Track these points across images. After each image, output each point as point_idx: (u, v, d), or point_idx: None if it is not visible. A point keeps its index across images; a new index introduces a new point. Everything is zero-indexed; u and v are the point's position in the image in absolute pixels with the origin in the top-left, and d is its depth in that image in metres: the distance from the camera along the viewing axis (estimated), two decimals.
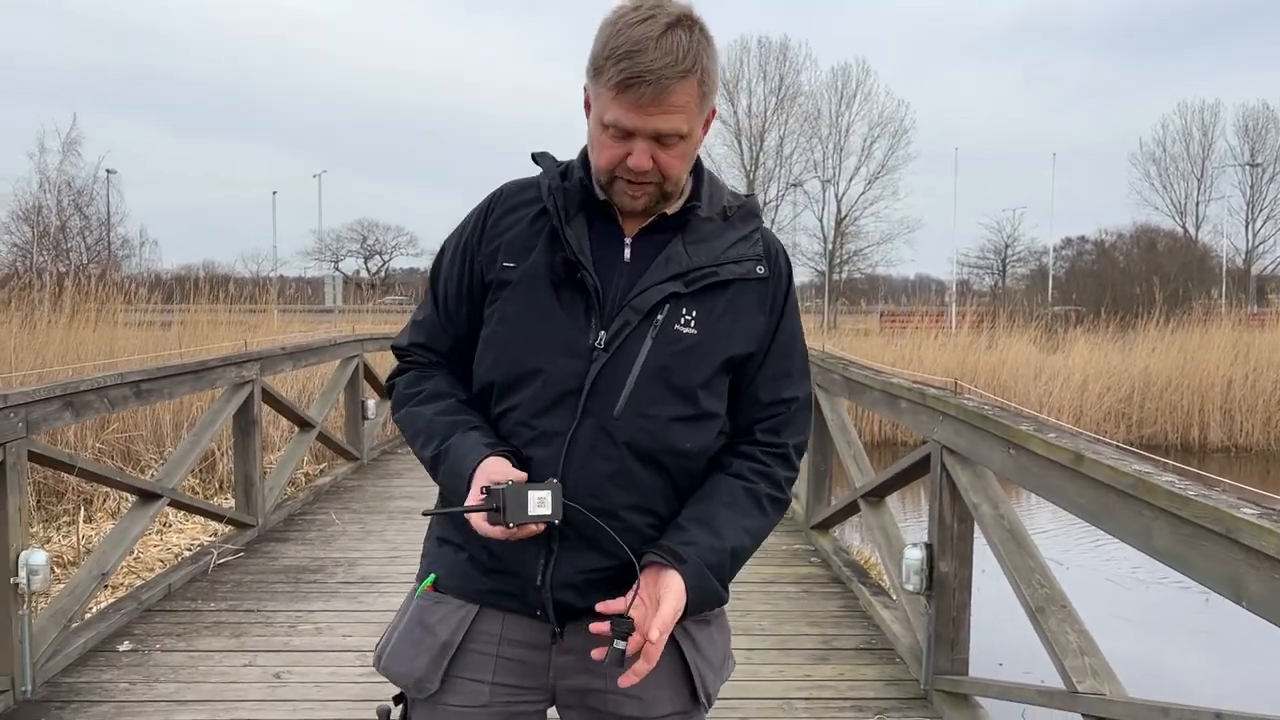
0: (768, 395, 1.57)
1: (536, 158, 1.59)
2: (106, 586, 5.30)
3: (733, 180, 50.09)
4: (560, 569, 1.46)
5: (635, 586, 1.40)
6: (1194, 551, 2.05)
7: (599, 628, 1.36)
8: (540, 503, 1.35)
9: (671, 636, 1.47)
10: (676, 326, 1.48)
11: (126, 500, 6.57)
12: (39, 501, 7.23)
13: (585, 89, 1.47)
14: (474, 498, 1.39)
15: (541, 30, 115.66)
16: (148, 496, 4.72)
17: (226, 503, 6.91)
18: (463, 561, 1.53)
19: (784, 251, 1.62)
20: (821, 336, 20.66)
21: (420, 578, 1.59)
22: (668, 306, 1.48)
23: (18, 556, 3.52)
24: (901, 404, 4.18)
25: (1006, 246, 55.03)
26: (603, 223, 1.52)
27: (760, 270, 1.55)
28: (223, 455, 8.43)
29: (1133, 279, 35.51)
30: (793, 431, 1.60)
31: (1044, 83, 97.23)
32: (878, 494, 4.70)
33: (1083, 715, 2.59)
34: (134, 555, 6.05)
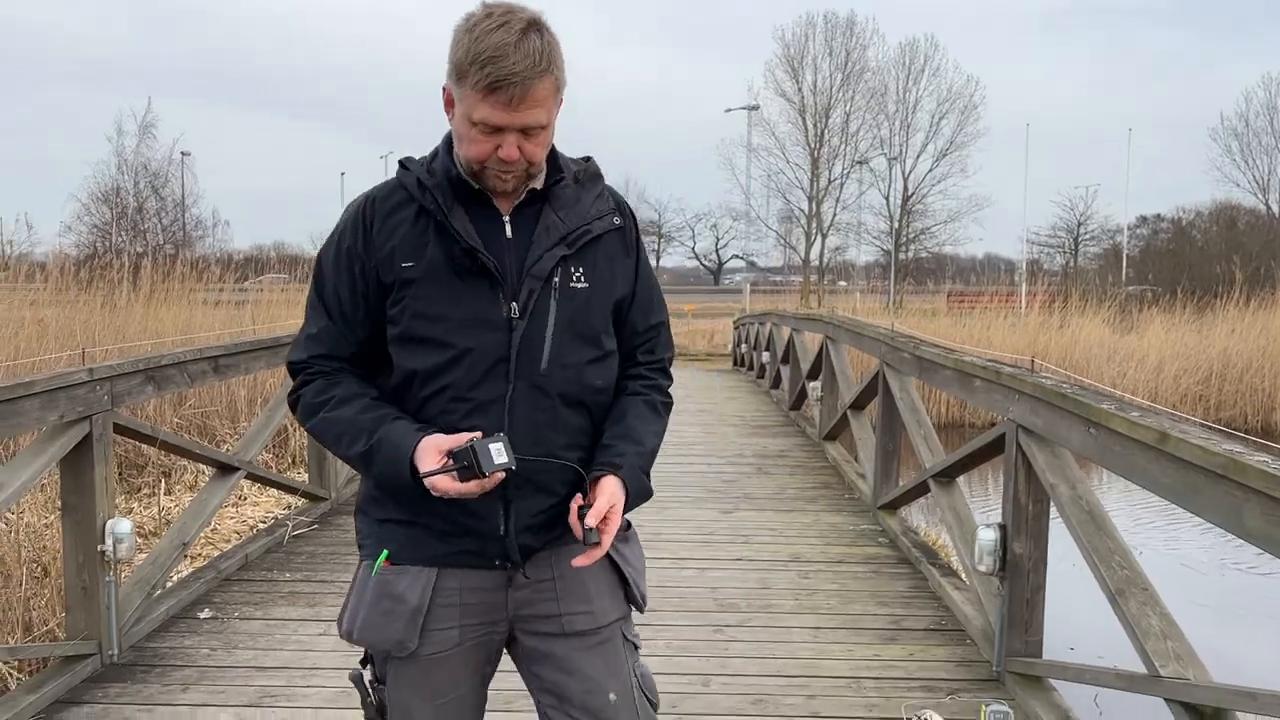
0: (641, 324, 1.85)
1: (404, 163, 1.75)
2: (186, 556, 5.46)
3: (798, 158, 49.61)
4: (518, 516, 1.69)
5: (588, 493, 1.67)
6: None
7: (573, 520, 1.63)
8: (499, 453, 1.57)
9: (607, 556, 1.73)
10: (571, 284, 1.71)
11: (204, 474, 6.74)
12: (121, 474, 7.46)
13: (445, 89, 1.64)
14: (433, 467, 1.57)
15: (604, 8, 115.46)
16: (225, 469, 4.84)
17: (300, 476, 7.05)
18: (415, 534, 1.71)
19: (625, 201, 1.84)
20: (886, 316, 20.40)
21: (369, 557, 1.76)
22: (560, 269, 1.70)
23: (104, 525, 3.63)
24: (975, 383, 4.10)
25: (1079, 225, 53.75)
26: (479, 207, 1.69)
27: (616, 221, 1.78)
28: (295, 431, 8.61)
29: (1211, 258, 34.43)
30: (664, 348, 1.90)
31: (1120, 56, 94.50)
32: (948, 474, 4.63)
33: (1165, 699, 2.53)
34: (212, 528, 6.21)
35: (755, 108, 49.83)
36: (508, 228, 1.69)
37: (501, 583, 1.72)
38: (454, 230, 1.64)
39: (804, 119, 49.28)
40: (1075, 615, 5.33)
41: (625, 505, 1.69)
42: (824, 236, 51.13)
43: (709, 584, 4.68)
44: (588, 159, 1.80)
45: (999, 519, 3.70)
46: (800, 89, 49.02)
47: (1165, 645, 2.59)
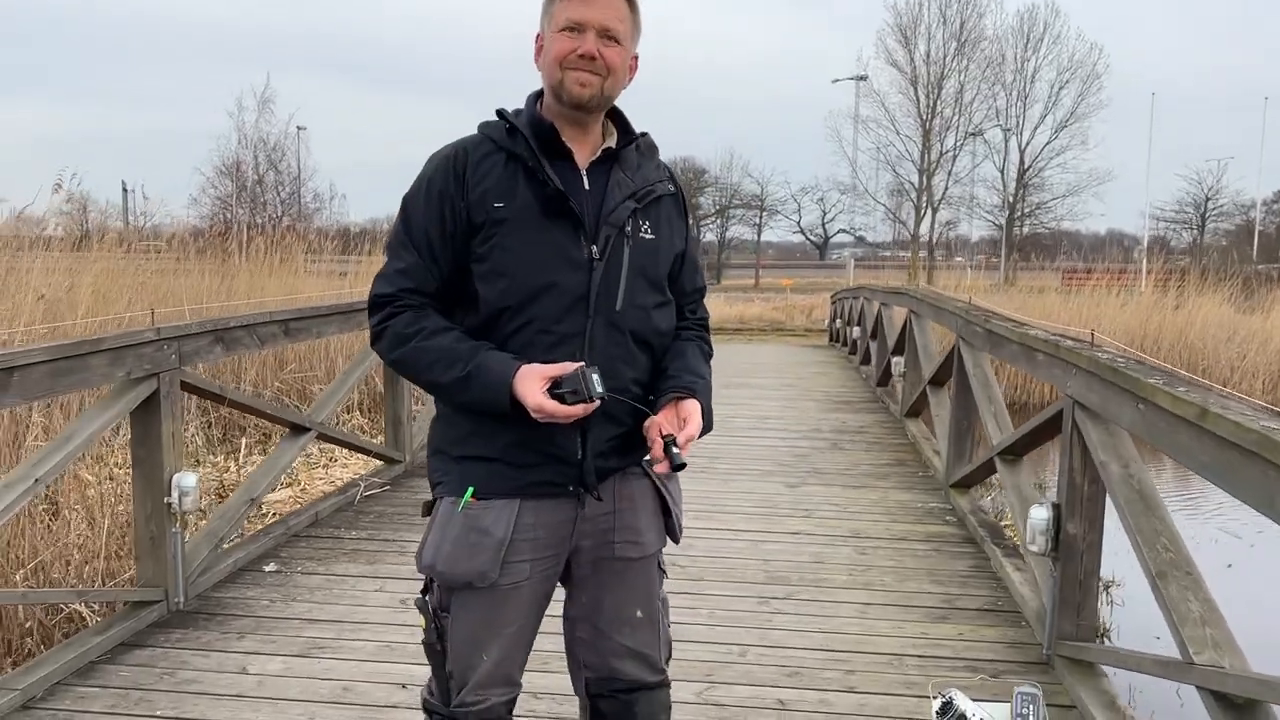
0: (689, 284, 2.04)
1: (500, 112, 1.90)
2: (265, 514, 5.69)
3: (909, 129, 48.39)
4: (594, 443, 1.84)
5: (658, 420, 1.82)
6: None
7: (658, 451, 1.78)
8: (598, 382, 1.71)
9: (656, 488, 1.98)
10: (641, 234, 1.87)
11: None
12: (225, 436, 7.74)
13: (538, 36, 1.86)
14: (539, 393, 1.70)
15: None
16: (297, 429, 5.01)
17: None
18: (496, 469, 1.84)
19: (675, 172, 2.02)
20: (988, 293, 19.79)
21: (452, 493, 1.88)
22: (631, 220, 1.85)
23: (170, 478, 3.80)
24: (1038, 357, 3.96)
25: (1207, 200, 51.16)
26: (560, 160, 1.84)
27: (671, 188, 1.96)
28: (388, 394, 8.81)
29: None
30: (704, 310, 2.11)
31: (1255, 20, 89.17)
32: (1013, 452, 4.48)
33: (1198, 688, 2.41)
34: (301, 488, 6.45)
35: (864, 78, 48.83)
36: (585, 179, 1.84)
37: (571, 514, 1.88)
38: (545, 174, 1.79)
39: (915, 89, 48.01)
40: (1143, 599, 5.12)
41: (702, 420, 1.84)
42: (934, 211, 49.89)
43: (762, 556, 4.65)
44: (644, 133, 1.96)
45: (1055, 498, 3.57)
46: (912, 58, 47.73)
47: (1203, 631, 2.47)
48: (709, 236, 60.86)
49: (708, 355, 2.03)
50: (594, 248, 1.81)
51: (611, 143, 1.90)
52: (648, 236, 1.88)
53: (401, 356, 1.84)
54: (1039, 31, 46.74)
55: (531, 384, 1.71)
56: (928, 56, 47.55)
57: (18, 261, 8.47)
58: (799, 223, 63.91)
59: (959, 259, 48.45)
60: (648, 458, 1.91)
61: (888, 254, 57.04)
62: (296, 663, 3.43)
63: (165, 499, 3.78)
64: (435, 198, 1.83)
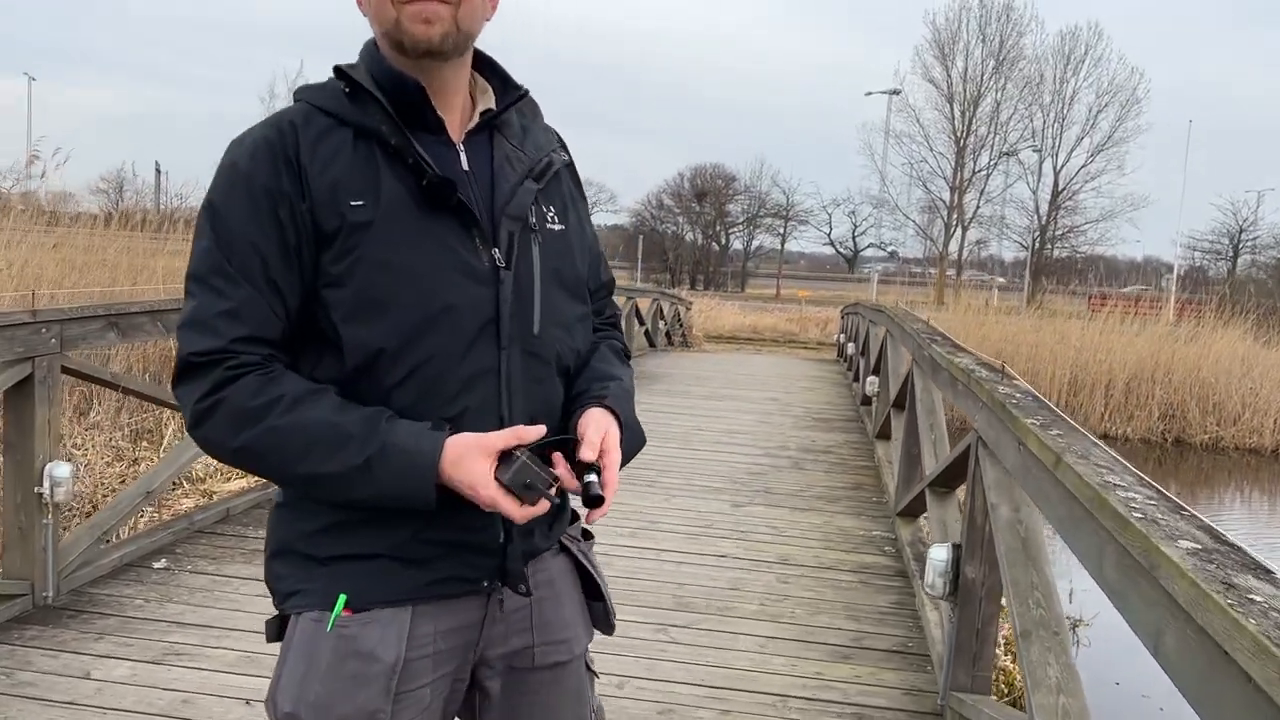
0: (594, 281, 1.56)
1: (338, 69, 1.37)
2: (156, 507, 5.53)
3: (942, 147, 47.96)
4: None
5: (576, 443, 1.35)
6: (1131, 589, 1.64)
7: (563, 473, 1.32)
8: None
9: (581, 568, 1.52)
10: (548, 225, 1.42)
11: None
12: (157, 427, 7.58)
13: None
14: (490, 481, 1.25)
15: None
16: None
17: None
18: (378, 566, 1.34)
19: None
20: (1005, 315, 19.44)
21: (314, 606, 1.35)
22: (535, 208, 1.40)
23: (43, 468, 3.65)
24: (959, 386, 3.73)
25: (1241, 231, 50.23)
26: (425, 133, 1.35)
27: (566, 157, 1.51)
28: None
29: None
30: (613, 307, 1.67)
31: None
32: (944, 484, 4.25)
33: None
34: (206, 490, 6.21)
35: (897, 92, 48.43)
36: (462, 156, 1.37)
37: (479, 614, 1.40)
38: (417, 154, 1.30)
39: (951, 106, 47.63)
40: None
41: (621, 439, 1.38)
42: (964, 229, 49.44)
43: (678, 579, 4.44)
44: (519, 85, 1.49)
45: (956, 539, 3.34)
46: (949, 75, 47.40)
47: (1056, 700, 2.24)
48: (736, 245, 60.63)
49: (621, 353, 1.60)
50: (495, 251, 1.34)
51: (489, 103, 1.42)
52: (555, 227, 1.42)
53: (252, 444, 1.25)
54: (1080, 53, 46.27)
55: (476, 465, 1.25)
56: (965, 74, 47.18)
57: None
58: (829, 234, 63.51)
59: (999, 279, 47.82)
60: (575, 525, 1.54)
61: (919, 270, 56.50)
62: (145, 669, 3.26)
63: (36, 489, 3.63)
64: (263, 199, 1.28)
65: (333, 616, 1.33)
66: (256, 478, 6.01)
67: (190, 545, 4.49)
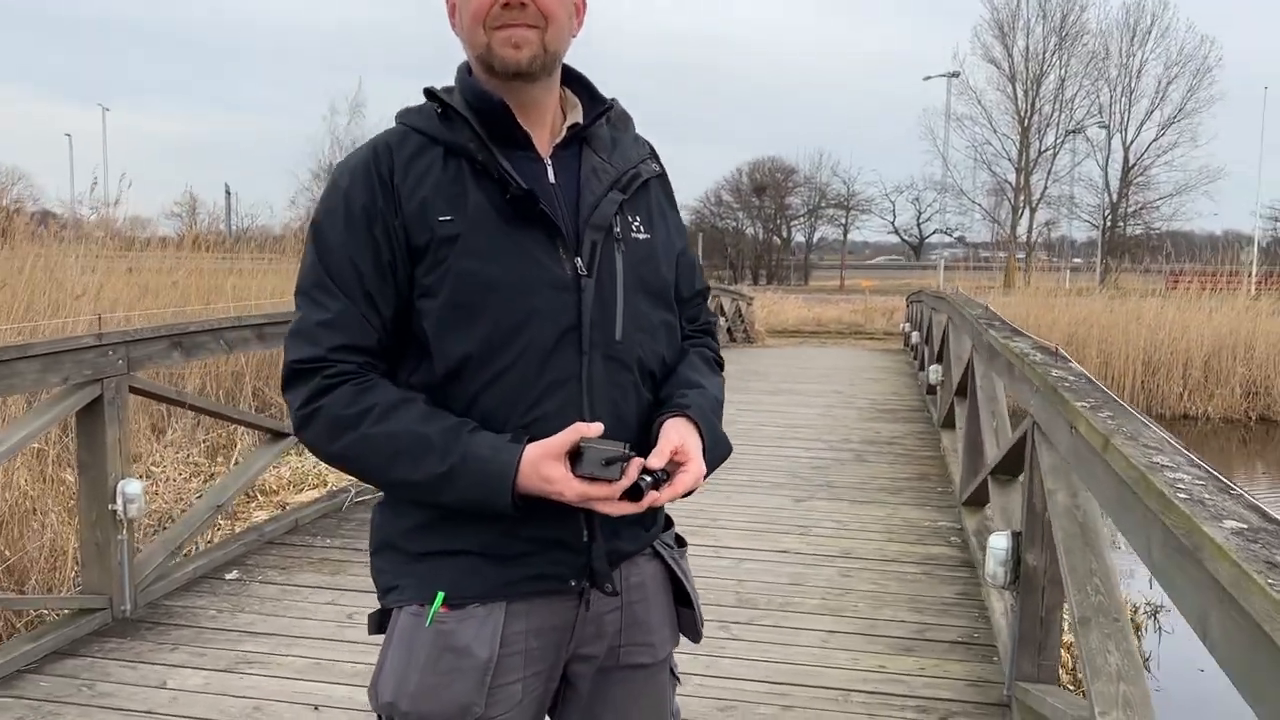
0: (687, 289, 1.59)
1: (429, 92, 1.45)
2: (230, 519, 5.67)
3: (1007, 127, 47.00)
4: (604, 519, 1.39)
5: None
6: (1177, 572, 1.60)
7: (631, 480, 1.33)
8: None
9: (672, 574, 1.55)
10: (633, 234, 1.45)
11: None
12: (228, 441, 7.76)
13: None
14: (571, 477, 1.31)
15: None
16: (276, 435, 4.97)
17: None
18: (470, 563, 1.41)
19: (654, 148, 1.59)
20: (1077, 297, 18.99)
21: (412, 600, 1.43)
22: (619, 217, 1.44)
23: (115, 485, 3.77)
24: (1014, 371, 3.66)
25: None
26: (514, 149, 1.41)
27: (656, 168, 1.54)
28: None
29: None
30: (709, 314, 1.68)
31: None
32: (1005, 471, 4.17)
33: None
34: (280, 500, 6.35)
35: (956, 74, 47.62)
36: (550, 170, 1.42)
37: (570, 615, 1.45)
38: (502, 169, 1.36)
39: (1014, 85, 46.64)
40: None
41: (704, 452, 1.41)
42: (1033, 211, 48.38)
43: (739, 576, 4.42)
44: (612, 99, 1.55)
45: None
46: (1010, 54, 46.40)
47: (1115, 688, 2.19)
48: (798, 237, 60.16)
49: (711, 361, 1.60)
50: (578, 260, 1.38)
51: (577, 118, 1.47)
52: (641, 236, 1.46)
53: (346, 450, 1.35)
54: (1146, 24, 44.96)
55: (552, 470, 1.29)
56: (1026, 52, 46.16)
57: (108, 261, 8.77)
58: (893, 223, 62.65)
59: (1075, 260, 46.74)
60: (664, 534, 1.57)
61: (987, 255, 55.48)
62: (218, 678, 3.36)
63: (110, 506, 3.76)
64: (360, 218, 1.36)
65: (431, 612, 1.40)
66: (326, 489, 6.15)
67: (261, 556, 4.60)
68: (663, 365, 1.50)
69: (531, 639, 1.43)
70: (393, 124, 1.47)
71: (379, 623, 1.49)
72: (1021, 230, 48.22)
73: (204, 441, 7.33)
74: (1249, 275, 27.37)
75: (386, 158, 1.39)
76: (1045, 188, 47.94)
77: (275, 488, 6.56)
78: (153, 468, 6.58)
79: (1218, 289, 17.88)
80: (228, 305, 9.68)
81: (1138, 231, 48.24)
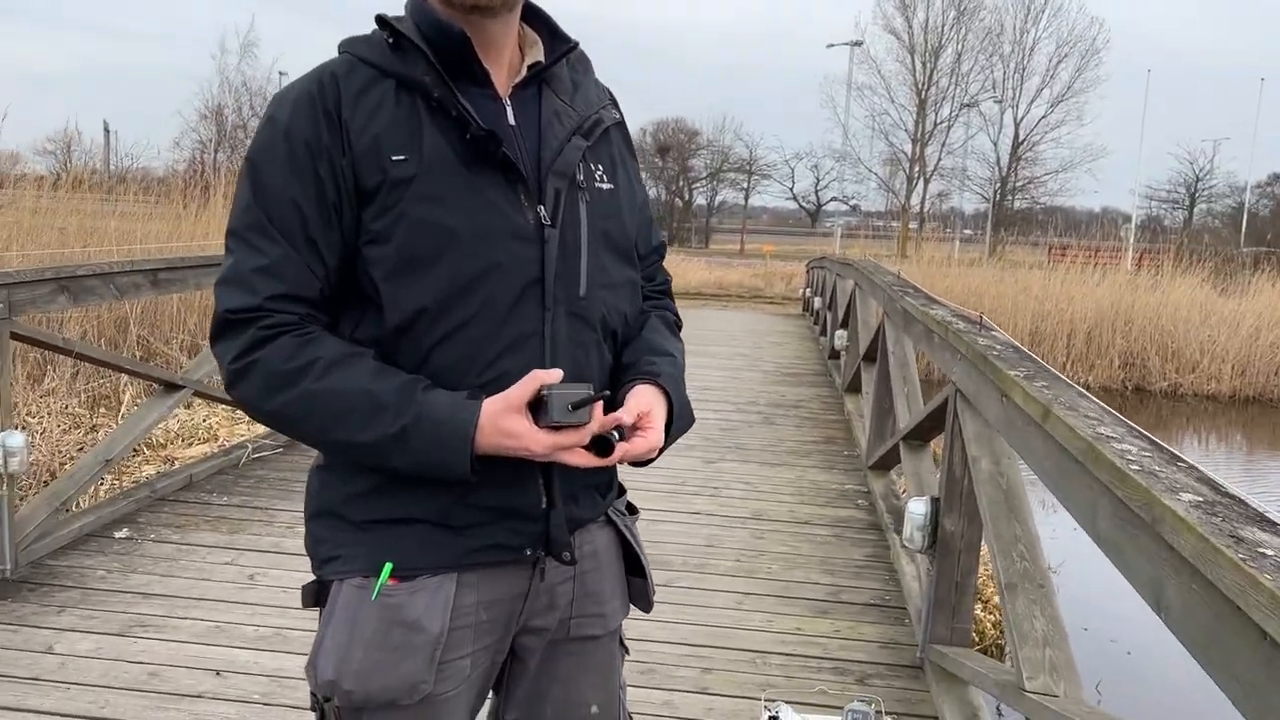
0: (644, 245, 1.51)
1: (381, 19, 1.31)
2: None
3: (905, 98, 47.87)
4: (562, 484, 1.34)
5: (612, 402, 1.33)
6: (1128, 543, 1.61)
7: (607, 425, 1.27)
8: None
9: (625, 541, 1.49)
10: (597, 184, 1.36)
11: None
12: (113, 393, 7.41)
13: None
14: (535, 429, 1.22)
15: None
16: (170, 387, 4.72)
17: None
18: (421, 532, 1.30)
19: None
20: (968, 268, 19.54)
21: (359, 572, 1.31)
22: (583, 165, 1.35)
23: None
24: (934, 339, 3.69)
25: (1197, 180, 50.80)
26: (471, 86, 1.30)
27: (617, 114, 1.45)
28: None
29: None
30: (664, 274, 1.60)
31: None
32: (918, 437, 4.23)
33: (1025, 718, 2.17)
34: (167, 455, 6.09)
35: (859, 44, 48.25)
36: (509, 111, 1.31)
37: (523, 585, 1.37)
38: (461, 107, 1.25)
39: (913, 57, 47.51)
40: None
41: (669, 422, 1.35)
42: (926, 182, 49.57)
43: (653, 538, 4.40)
44: (576, 43, 1.44)
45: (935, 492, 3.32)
46: (910, 26, 47.20)
47: (1042, 654, 2.22)
48: (699, 200, 60.42)
49: (673, 325, 1.54)
50: (541, 209, 1.28)
51: (538, 56, 1.36)
52: (604, 186, 1.37)
53: (285, 408, 1.23)
54: (1039, 3, 46.20)
55: (514, 424, 1.21)
56: (926, 24, 47.01)
57: None
58: (792, 189, 63.39)
59: (967, 232, 48.06)
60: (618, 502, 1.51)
61: (881, 224, 56.64)
62: (111, 642, 3.18)
63: None
64: (303, 154, 1.24)
65: (378, 585, 1.30)
66: (219, 444, 5.90)
67: (153, 514, 4.38)
68: (624, 324, 1.42)
69: (482, 611, 1.35)
70: (334, 55, 1.33)
71: (315, 595, 1.37)
72: (915, 200, 49.37)
73: (83, 391, 6.96)
74: (1128, 251, 28.61)
75: (333, 89, 1.26)
76: (939, 160, 49.16)
77: (163, 441, 6.27)
78: (29, 419, 6.21)
79: (1099, 264, 18.62)
80: (110, 248, 9.18)
81: (1024, 205, 49.90)
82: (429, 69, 1.27)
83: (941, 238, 40.99)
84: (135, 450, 5.89)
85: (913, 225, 47.03)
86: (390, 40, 1.29)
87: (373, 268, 1.26)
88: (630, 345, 1.44)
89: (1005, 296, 15.92)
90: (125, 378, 6.68)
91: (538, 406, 1.22)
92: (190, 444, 6.31)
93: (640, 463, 1.33)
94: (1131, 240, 34.79)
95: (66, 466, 5.30)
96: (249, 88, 33.18)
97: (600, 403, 1.25)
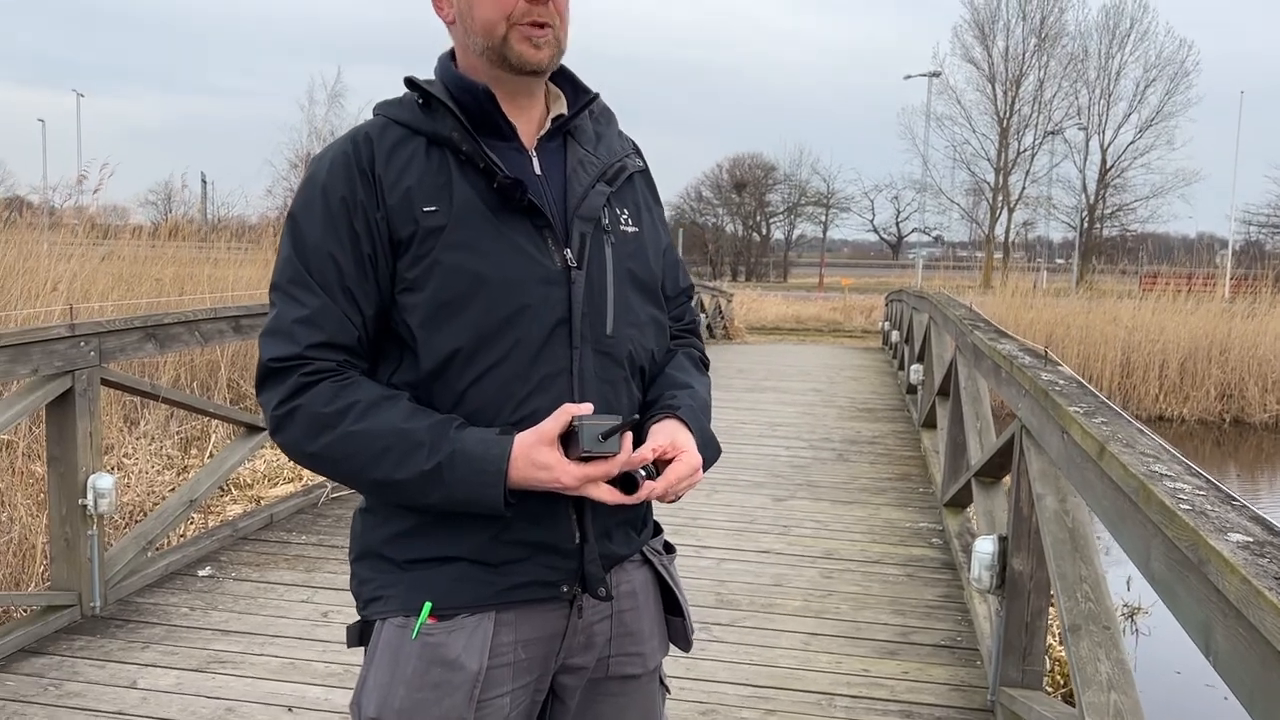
0: (672, 287, 1.57)
1: (410, 81, 1.41)
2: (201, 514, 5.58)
3: (986, 127, 47.25)
4: (595, 521, 1.38)
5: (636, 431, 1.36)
6: (1179, 584, 1.57)
7: (635, 462, 1.30)
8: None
9: (662, 580, 1.51)
10: (622, 227, 1.43)
11: None
12: (202, 434, 7.65)
13: None
14: (566, 461, 1.26)
15: None
16: (251, 429, 4.89)
17: None
18: (459, 570, 1.35)
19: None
20: (1055, 297, 19.08)
21: (398, 611, 1.36)
22: (608, 210, 1.42)
23: (86, 480, 3.69)
24: (1001, 373, 3.63)
25: None
26: (498, 140, 1.37)
27: (640, 163, 1.52)
28: None
29: None
30: (692, 314, 1.65)
31: None
32: (989, 474, 4.15)
33: None
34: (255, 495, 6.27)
35: (937, 74, 47.80)
36: (534, 162, 1.39)
37: (561, 624, 1.40)
38: (488, 158, 1.32)
39: (993, 86, 46.95)
40: None
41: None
42: (1010, 211, 48.73)
43: (720, 576, 4.39)
44: (595, 92, 1.51)
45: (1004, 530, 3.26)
46: (990, 55, 46.72)
47: (1107, 698, 2.16)
48: (777, 234, 60.30)
49: (699, 361, 1.59)
50: (567, 252, 1.35)
51: (561, 109, 1.43)
52: (630, 229, 1.43)
53: (327, 450, 1.29)
54: (1125, 27, 45.39)
55: (546, 457, 1.25)
56: (1006, 53, 46.46)
57: (74, 249, 8.60)
58: (872, 221, 62.89)
59: (1055, 260, 47.01)
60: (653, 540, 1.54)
61: (965, 254, 55.82)
62: (190, 678, 3.29)
63: (80, 500, 3.68)
64: (339, 210, 1.31)
65: (418, 624, 1.35)
66: (302, 483, 6.07)
67: (234, 552, 4.52)
68: (652, 361, 1.47)
69: (520, 649, 1.38)
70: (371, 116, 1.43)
71: (360, 635, 1.42)
72: (999, 230, 48.56)
73: (177, 433, 7.23)
74: (1224, 278, 27.64)
75: (366, 148, 1.34)
76: (1023, 188, 48.35)
77: (249, 481, 6.48)
78: (125, 459, 6.47)
79: (1193, 291, 18.03)
80: (203, 295, 9.56)
81: (1114, 233, 48.69)
82: (457, 125, 1.34)
83: (1027, 267, 40.18)
84: (222, 490, 6.10)
85: (998, 255, 46.19)
86: (420, 101, 1.38)
87: (408, 314, 1.33)
88: (654, 382, 1.48)
89: (1093, 327, 15.51)
90: (214, 421, 6.91)
91: (569, 439, 1.26)
92: (275, 484, 6.50)
93: (675, 498, 1.35)
94: (1228, 266, 33.59)
95: (159, 505, 5.51)
96: (336, 135, 34.36)
97: (630, 433, 1.28)
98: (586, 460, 1.25)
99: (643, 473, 1.30)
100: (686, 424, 1.40)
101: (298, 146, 34.07)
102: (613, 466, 1.26)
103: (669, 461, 1.33)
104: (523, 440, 1.26)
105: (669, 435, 1.36)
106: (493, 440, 1.27)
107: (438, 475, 1.26)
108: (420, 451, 1.27)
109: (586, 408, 1.28)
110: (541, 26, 1.32)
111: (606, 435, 1.24)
